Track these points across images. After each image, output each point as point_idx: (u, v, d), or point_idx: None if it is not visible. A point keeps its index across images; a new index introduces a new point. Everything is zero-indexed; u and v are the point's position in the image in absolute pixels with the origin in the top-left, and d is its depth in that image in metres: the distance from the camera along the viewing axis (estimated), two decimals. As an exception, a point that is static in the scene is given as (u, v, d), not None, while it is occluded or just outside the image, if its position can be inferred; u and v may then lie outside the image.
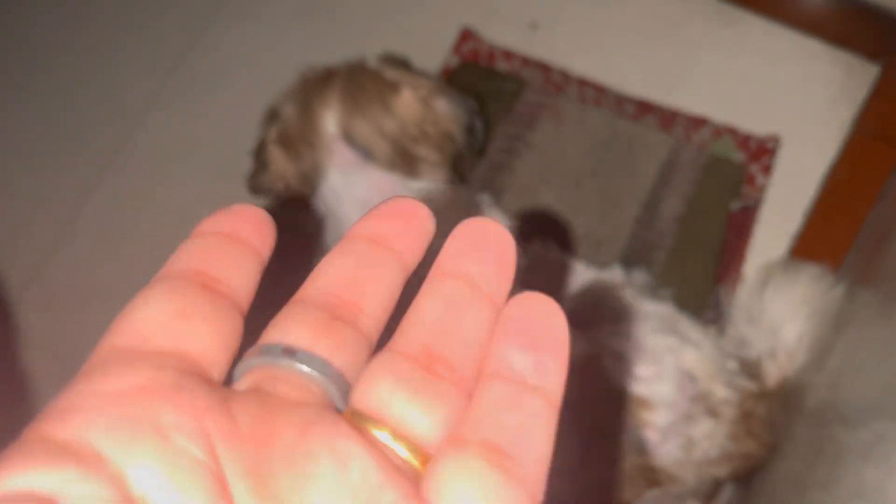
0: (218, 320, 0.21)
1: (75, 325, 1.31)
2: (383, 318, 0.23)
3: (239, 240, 0.22)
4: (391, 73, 0.95)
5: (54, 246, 1.36)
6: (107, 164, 1.39)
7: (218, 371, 0.20)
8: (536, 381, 0.21)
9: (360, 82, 0.93)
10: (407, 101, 0.93)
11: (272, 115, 1.00)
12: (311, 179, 0.95)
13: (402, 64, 1.03)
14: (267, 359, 0.21)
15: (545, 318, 0.22)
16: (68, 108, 1.44)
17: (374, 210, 0.24)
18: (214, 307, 0.21)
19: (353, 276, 0.22)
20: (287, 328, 0.21)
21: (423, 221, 0.24)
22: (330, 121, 0.92)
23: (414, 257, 0.24)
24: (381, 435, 0.20)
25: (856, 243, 1.10)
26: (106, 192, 1.37)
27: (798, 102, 1.20)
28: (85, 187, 1.38)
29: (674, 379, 0.87)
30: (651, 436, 0.85)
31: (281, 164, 0.97)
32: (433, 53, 1.29)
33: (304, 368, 0.20)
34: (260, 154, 1.01)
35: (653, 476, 0.85)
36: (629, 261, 1.14)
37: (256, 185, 1.03)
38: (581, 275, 1.10)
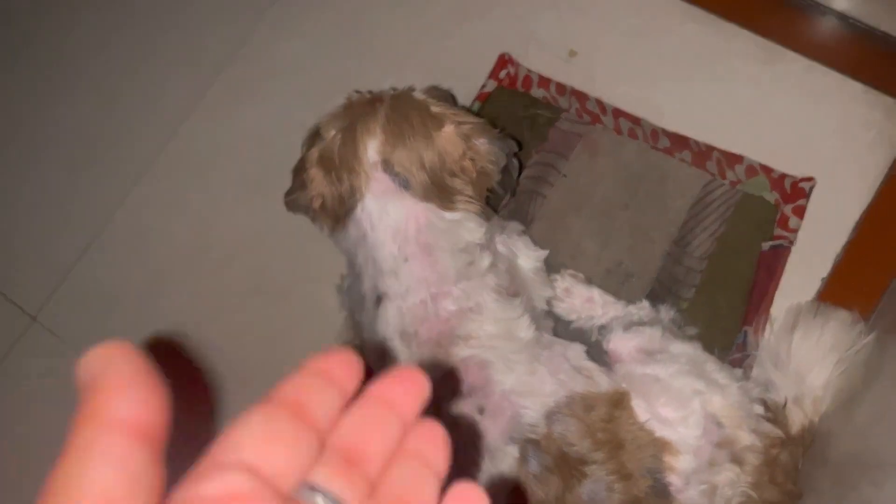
0: (296, 444, 0.27)
1: (104, 328, 1.33)
2: (383, 464, 0.29)
3: (331, 378, 0.29)
4: (437, 107, 0.96)
5: (87, 248, 1.38)
6: (143, 170, 1.40)
7: (286, 482, 0.26)
8: None
9: (405, 112, 0.94)
10: (449, 137, 0.94)
11: (314, 135, 1.01)
12: (347, 202, 0.95)
13: (447, 97, 1.04)
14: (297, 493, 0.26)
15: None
16: (107, 112, 1.46)
17: (386, 374, 0.31)
18: (296, 432, 0.27)
19: (365, 429, 0.29)
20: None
21: (422, 386, 0.30)
22: (372, 148, 0.93)
23: (413, 416, 0.30)
24: None
25: (888, 291, 1.09)
26: (141, 197, 1.39)
27: (836, 144, 1.19)
28: (120, 192, 1.40)
29: (700, 423, 0.87)
30: (674, 480, 0.85)
31: (319, 185, 0.98)
32: (471, 76, 1.29)
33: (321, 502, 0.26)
34: (299, 173, 1.02)
35: (674, 521, 0.85)
36: (657, 296, 1.14)
37: (293, 203, 1.04)
38: (609, 308, 1.11)
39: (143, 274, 1.34)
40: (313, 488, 0.26)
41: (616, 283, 1.16)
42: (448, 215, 0.92)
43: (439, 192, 0.92)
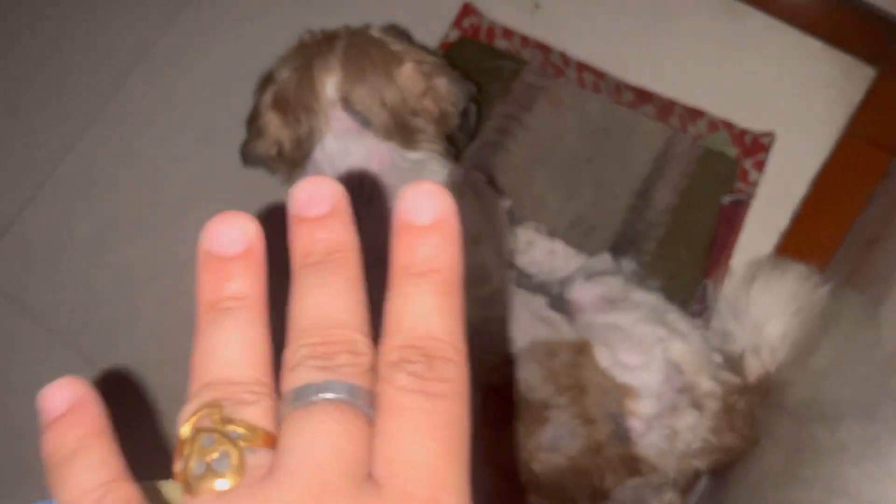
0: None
1: (48, 279, 1.27)
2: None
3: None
4: (396, 45, 0.93)
5: (33, 197, 1.32)
6: (92, 118, 1.34)
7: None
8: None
9: (364, 49, 0.91)
10: (410, 74, 0.91)
11: (267, 80, 0.96)
12: (305, 145, 0.92)
13: (405, 36, 1.01)
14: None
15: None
16: (55, 57, 1.39)
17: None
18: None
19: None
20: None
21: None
22: (330, 85, 0.90)
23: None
24: None
25: (844, 244, 1.11)
26: (88, 146, 1.33)
27: (795, 100, 1.20)
28: (69, 139, 1.33)
29: (661, 370, 0.87)
30: (635, 425, 0.85)
31: (276, 130, 0.94)
32: (433, 26, 1.27)
33: None
34: (253, 120, 0.98)
35: (635, 465, 0.85)
36: (619, 248, 1.13)
37: (250, 154, 1.00)
38: (571, 260, 1.10)
39: (90, 227, 1.29)
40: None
41: (579, 236, 1.15)
42: (411, 155, 0.90)
43: (401, 131, 0.90)
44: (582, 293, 0.98)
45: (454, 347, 0.24)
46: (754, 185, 1.15)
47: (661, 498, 0.92)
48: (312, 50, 0.93)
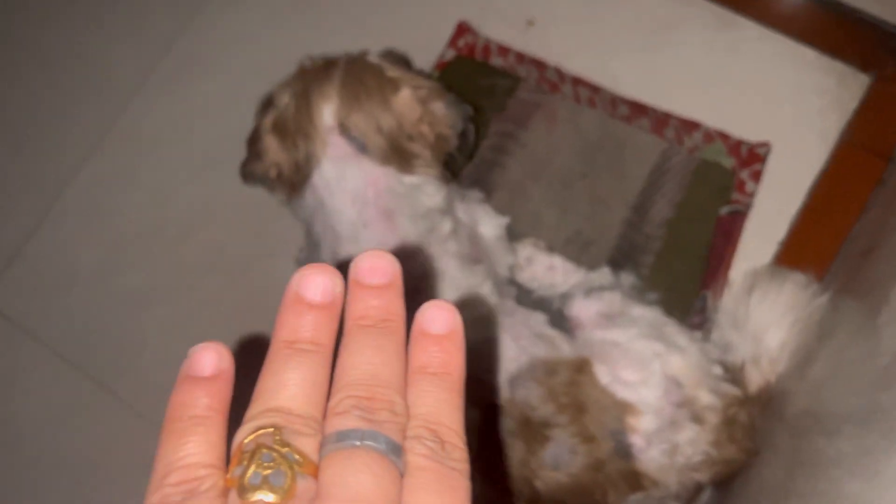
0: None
1: (55, 305, 1.29)
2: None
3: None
4: (392, 71, 0.94)
5: (39, 224, 1.34)
6: (93, 147, 1.36)
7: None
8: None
9: (361, 76, 0.92)
10: (406, 100, 0.93)
11: (267, 103, 0.98)
12: (303, 169, 0.94)
13: (403, 61, 1.02)
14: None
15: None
16: (55, 88, 1.41)
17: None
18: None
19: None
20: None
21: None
22: (327, 112, 0.91)
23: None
24: None
25: (841, 253, 1.12)
26: (91, 174, 1.35)
27: (790, 110, 1.20)
28: (70, 170, 1.35)
29: (660, 385, 0.88)
30: (636, 441, 0.86)
31: (275, 154, 0.96)
32: (429, 46, 1.28)
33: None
34: (254, 142, 1.00)
35: (636, 481, 0.86)
36: (617, 263, 1.14)
37: (249, 174, 1.02)
38: (570, 275, 1.11)
39: (95, 253, 1.31)
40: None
41: (576, 251, 1.16)
42: (407, 179, 0.91)
43: (397, 156, 0.91)
44: (581, 310, 0.99)
45: (458, 435, 0.29)
46: (751, 195, 1.16)
47: (664, 511, 0.93)
48: (311, 76, 0.94)
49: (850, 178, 1.15)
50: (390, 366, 0.29)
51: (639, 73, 1.24)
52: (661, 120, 1.20)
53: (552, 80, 1.24)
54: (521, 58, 1.26)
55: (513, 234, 1.12)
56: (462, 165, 1.17)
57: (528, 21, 1.30)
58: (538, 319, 0.97)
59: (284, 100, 0.95)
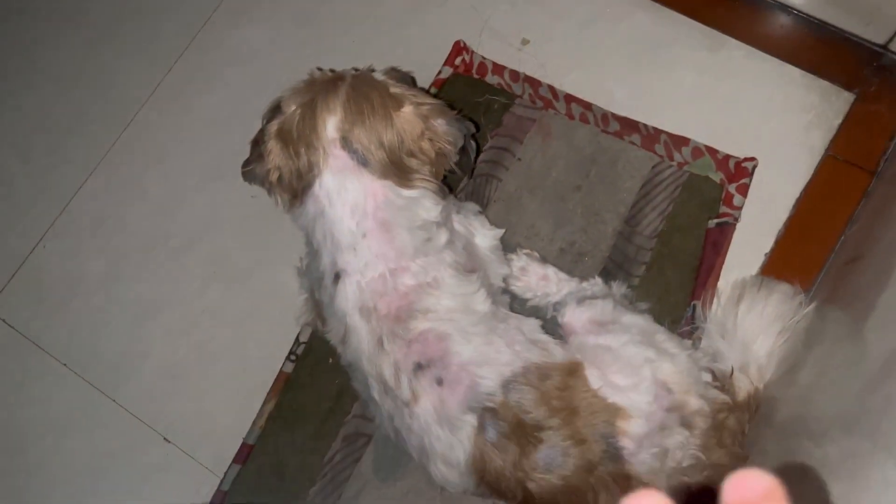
0: None
1: (60, 315, 1.31)
2: None
3: None
4: (396, 88, 0.97)
5: (44, 235, 1.36)
6: (99, 158, 1.39)
7: None
8: None
9: (366, 91, 0.95)
10: (408, 117, 0.96)
11: (275, 108, 1.01)
12: (305, 177, 0.96)
13: (407, 79, 1.06)
14: None
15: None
16: (63, 101, 1.44)
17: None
18: None
19: None
20: None
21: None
22: (331, 125, 0.94)
23: None
24: None
25: (827, 264, 1.14)
26: (97, 185, 1.38)
27: (776, 126, 1.24)
28: (75, 181, 1.38)
29: (651, 390, 0.90)
30: (627, 444, 0.88)
31: (277, 158, 0.99)
32: (427, 64, 1.32)
33: None
34: (258, 144, 1.02)
35: (626, 484, 0.88)
36: (609, 273, 1.17)
37: (250, 174, 1.04)
38: (564, 285, 1.14)
39: (100, 263, 1.34)
40: None
41: (569, 262, 1.19)
42: (406, 192, 0.94)
43: (397, 170, 0.94)
44: (574, 317, 1.02)
45: None
46: (739, 208, 1.19)
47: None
48: (318, 88, 0.97)
49: (834, 191, 1.18)
50: None
51: (630, 91, 1.28)
52: (651, 135, 1.24)
53: (546, 96, 1.28)
54: (515, 75, 1.30)
55: (508, 246, 1.15)
56: (462, 180, 1.20)
57: (522, 40, 1.34)
58: (532, 325, 0.99)
59: (291, 107, 0.98)
